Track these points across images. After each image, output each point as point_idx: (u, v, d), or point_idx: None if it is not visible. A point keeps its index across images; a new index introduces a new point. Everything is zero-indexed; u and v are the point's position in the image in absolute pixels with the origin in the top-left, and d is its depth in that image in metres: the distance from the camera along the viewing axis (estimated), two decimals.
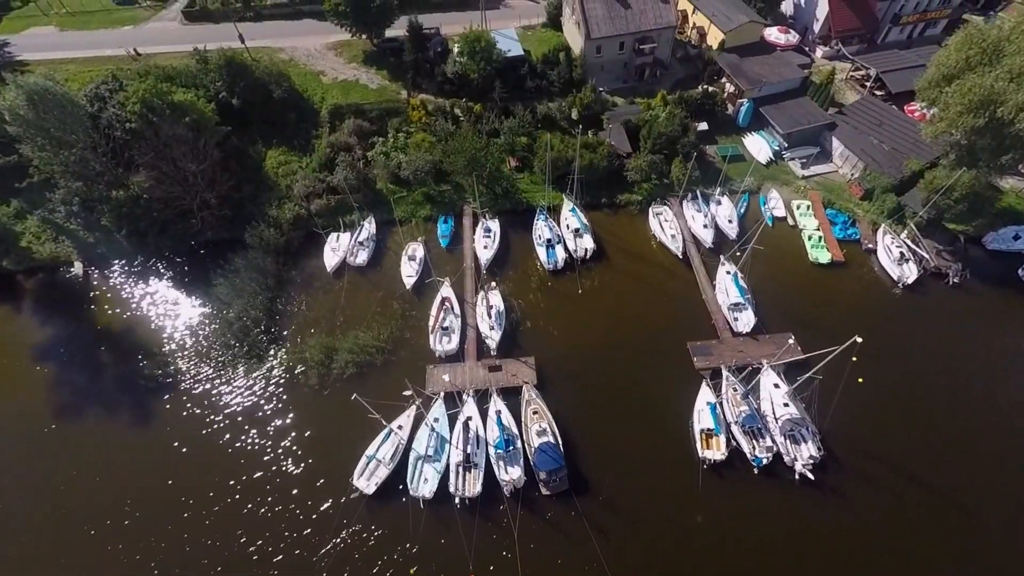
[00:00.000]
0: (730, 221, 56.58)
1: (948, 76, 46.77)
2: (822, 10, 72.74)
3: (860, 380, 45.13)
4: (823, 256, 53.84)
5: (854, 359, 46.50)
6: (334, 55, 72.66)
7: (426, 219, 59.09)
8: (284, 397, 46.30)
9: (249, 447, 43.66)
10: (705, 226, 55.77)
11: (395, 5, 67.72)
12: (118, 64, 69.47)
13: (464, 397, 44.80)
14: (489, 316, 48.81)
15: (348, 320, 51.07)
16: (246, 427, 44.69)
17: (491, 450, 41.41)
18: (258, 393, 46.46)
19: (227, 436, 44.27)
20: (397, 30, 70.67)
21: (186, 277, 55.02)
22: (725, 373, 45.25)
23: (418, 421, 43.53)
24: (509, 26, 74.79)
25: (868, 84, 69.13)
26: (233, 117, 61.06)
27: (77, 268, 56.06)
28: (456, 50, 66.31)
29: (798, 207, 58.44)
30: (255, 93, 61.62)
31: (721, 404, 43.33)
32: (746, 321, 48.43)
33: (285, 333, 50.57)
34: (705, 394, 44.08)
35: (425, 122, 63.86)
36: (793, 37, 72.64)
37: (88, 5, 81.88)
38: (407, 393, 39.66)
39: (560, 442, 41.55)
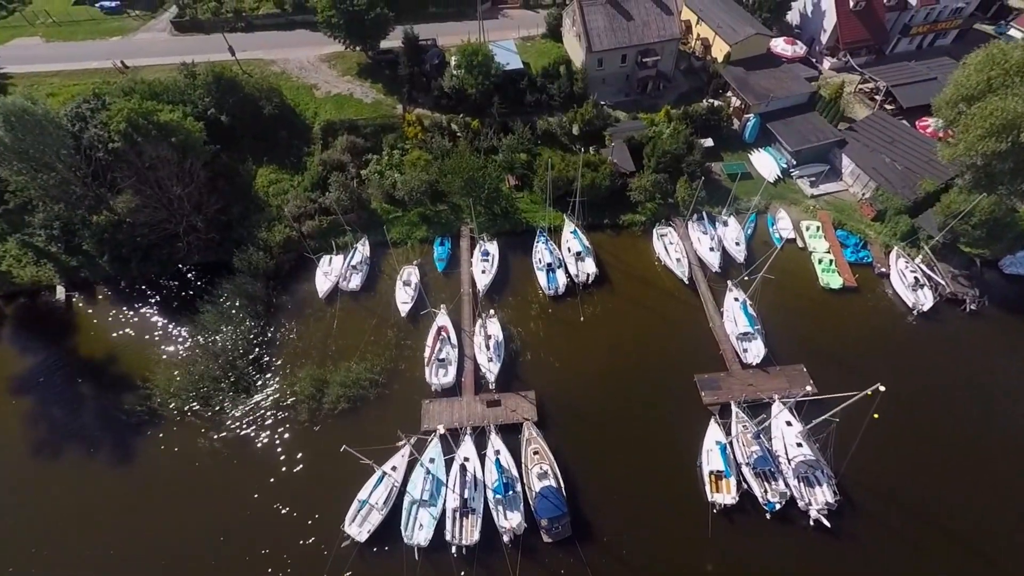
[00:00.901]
0: (737, 244, 54.47)
1: (968, 97, 44.72)
2: (830, 21, 70.62)
3: (876, 416, 42.98)
4: (834, 281, 51.78)
5: (868, 393, 45.05)
6: (328, 67, 70.45)
7: (422, 241, 56.97)
8: (272, 434, 44.18)
9: (234, 488, 41.48)
10: (712, 249, 53.70)
11: (390, 17, 65.59)
12: (105, 77, 67.47)
13: (461, 435, 42.66)
14: (487, 347, 46.74)
15: (340, 350, 48.98)
16: (231, 467, 42.57)
17: (489, 494, 39.33)
18: (245, 429, 44.31)
19: (210, 476, 42.13)
20: (393, 41, 68.56)
21: (172, 302, 52.77)
22: (735, 409, 43.21)
23: (413, 462, 41.41)
24: (508, 37, 72.66)
25: (878, 98, 67.03)
26: (222, 134, 59.07)
27: (59, 293, 53.88)
28: (453, 62, 64.25)
29: (807, 228, 56.38)
30: (245, 109, 59.50)
31: (731, 444, 41.22)
32: (756, 352, 46.37)
33: (274, 364, 48.45)
34: (714, 432, 42.03)
35: (421, 139, 61.71)
36: (800, 48, 70.62)
37: (75, 15, 79.50)
38: (400, 444, 37.50)
39: (562, 485, 39.48)
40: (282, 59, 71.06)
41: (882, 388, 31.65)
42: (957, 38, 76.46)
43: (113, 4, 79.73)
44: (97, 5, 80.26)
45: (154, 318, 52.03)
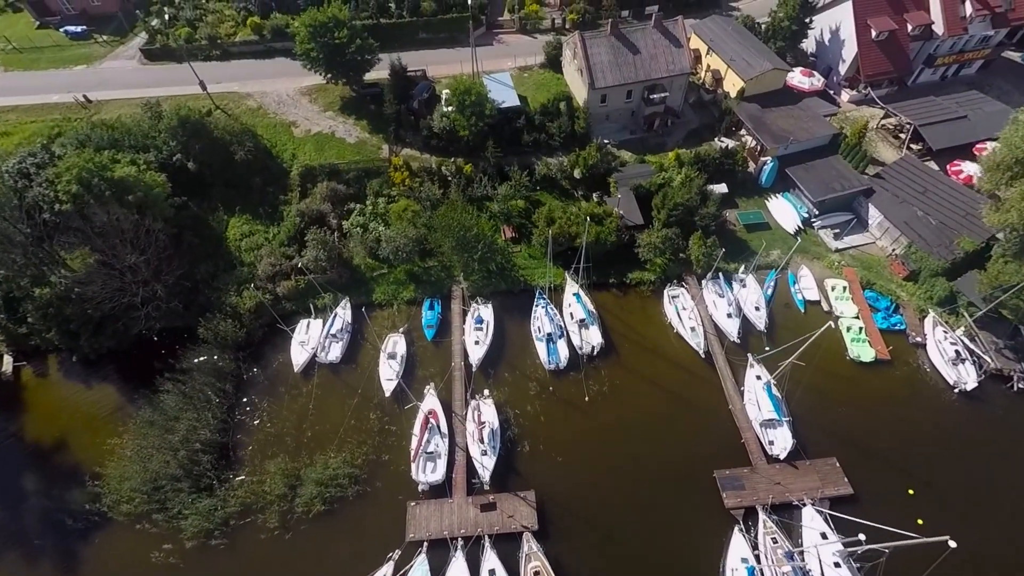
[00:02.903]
0: (757, 308, 49.38)
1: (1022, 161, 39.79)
2: (849, 51, 65.47)
3: (920, 522, 38.17)
4: (866, 353, 46.72)
5: (911, 492, 40.28)
6: (308, 102, 64.90)
7: (409, 302, 51.68)
8: (238, 544, 38.90)
9: None
10: (729, 315, 48.58)
11: (375, 48, 60.22)
12: (65, 113, 62.02)
13: (451, 550, 37.42)
14: (481, 437, 41.49)
15: (317, 436, 43.84)
16: None
17: None
18: (206, 539, 38.80)
19: None
20: (380, 71, 63.21)
21: (131, 377, 47.42)
22: (762, 516, 38.11)
23: None
24: (503, 67, 67.45)
25: (903, 136, 61.99)
26: (190, 182, 53.81)
27: (6, 363, 48.68)
28: (444, 97, 58.90)
29: (832, 288, 51.31)
30: (214, 155, 54.16)
31: (759, 560, 36.12)
32: (783, 443, 41.33)
33: (243, 454, 43.28)
34: (739, 546, 36.92)
35: (409, 185, 56.33)
36: (817, 81, 65.40)
37: (38, 40, 73.81)
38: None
39: None
40: (259, 92, 65.47)
41: (952, 544, 26.53)
42: (982, 67, 71.46)
43: (79, 29, 74.03)
44: (62, 30, 74.54)
45: (110, 396, 46.88)
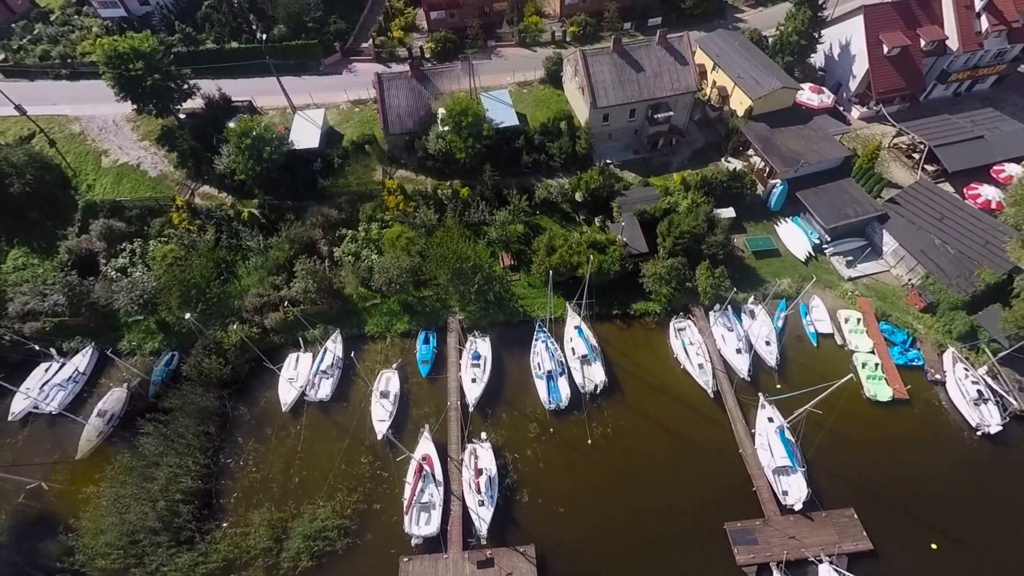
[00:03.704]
0: (768, 343, 47.09)
1: None
2: (860, 66, 63.24)
3: None
4: (883, 392, 44.42)
5: (933, 546, 38.04)
6: (131, 129, 61.20)
7: (403, 335, 49.34)
8: None
9: None
10: (739, 350, 46.29)
11: (185, 75, 56.87)
12: None
13: None
14: (478, 486, 39.15)
15: (304, 482, 41.61)
16: None
17: None
18: None
19: None
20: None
21: None
22: None
23: None
24: (502, 82, 65.17)
25: (916, 156, 59.73)
26: None
27: None
28: (440, 116, 56.44)
29: (846, 320, 48.99)
30: None
31: None
32: (797, 493, 39.05)
33: (227, 502, 40.98)
34: None
35: (403, 210, 54.01)
36: (827, 98, 63.09)
37: None
38: None
39: None
40: (88, 116, 61.94)
41: None
42: (996, 82, 69.21)
43: None
44: None
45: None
